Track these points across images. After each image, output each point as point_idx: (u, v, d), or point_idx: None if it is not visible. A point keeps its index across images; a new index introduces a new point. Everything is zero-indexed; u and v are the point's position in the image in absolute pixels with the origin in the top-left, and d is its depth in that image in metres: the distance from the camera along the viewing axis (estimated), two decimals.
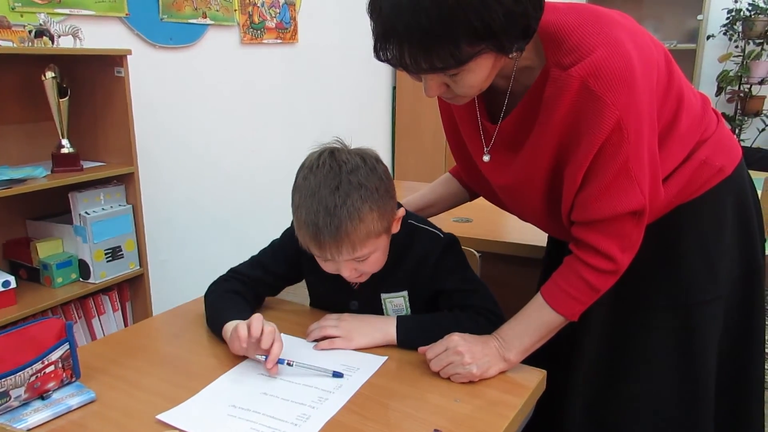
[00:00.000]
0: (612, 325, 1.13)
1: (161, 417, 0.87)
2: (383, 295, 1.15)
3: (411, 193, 1.40)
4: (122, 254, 2.00)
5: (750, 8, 3.99)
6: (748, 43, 4.11)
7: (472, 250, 1.33)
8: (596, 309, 1.04)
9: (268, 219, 3.07)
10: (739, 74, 4.12)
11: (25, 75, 1.91)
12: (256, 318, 1.00)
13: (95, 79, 1.98)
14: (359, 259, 1.02)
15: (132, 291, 2.13)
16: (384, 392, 0.95)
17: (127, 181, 2.01)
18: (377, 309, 1.16)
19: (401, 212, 1.08)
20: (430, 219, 1.26)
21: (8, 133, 1.94)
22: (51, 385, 0.92)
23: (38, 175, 1.76)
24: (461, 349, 0.97)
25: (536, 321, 1.01)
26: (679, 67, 1.04)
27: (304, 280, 1.26)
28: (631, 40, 0.89)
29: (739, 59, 4.14)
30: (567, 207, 0.99)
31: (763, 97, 4.19)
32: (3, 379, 0.85)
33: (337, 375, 0.99)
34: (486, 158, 1.08)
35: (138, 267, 2.06)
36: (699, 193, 1.05)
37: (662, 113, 0.97)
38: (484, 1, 0.79)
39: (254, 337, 0.98)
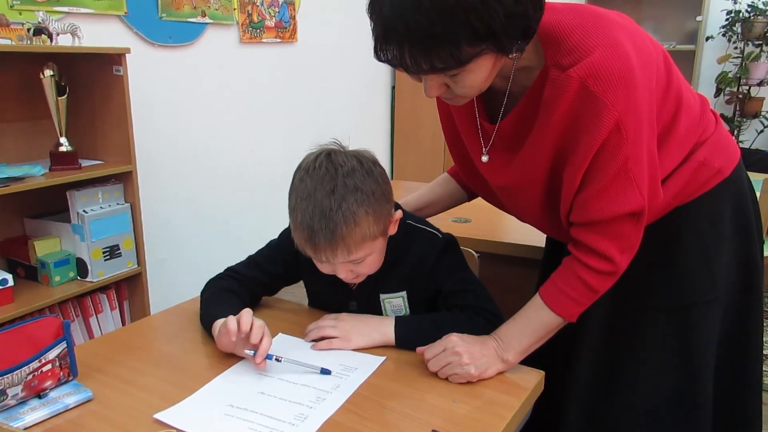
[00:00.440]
0: (610, 326, 1.13)
1: (158, 416, 0.87)
2: (382, 296, 1.15)
3: (410, 193, 1.40)
4: (120, 253, 1.99)
5: (749, 10, 3.99)
6: (747, 45, 4.12)
7: (471, 251, 1.33)
8: (594, 310, 1.04)
9: (267, 218, 3.07)
10: (738, 75, 4.13)
11: (23, 73, 1.91)
12: (246, 312, 1.00)
13: (94, 78, 1.98)
14: (355, 262, 1.02)
15: (130, 290, 2.12)
16: (382, 392, 0.95)
17: (125, 179, 2.00)
18: (376, 309, 1.16)
19: (398, 215, 1.08)
20: (428, 219, 1.26)
21: (6, 131, 1.93)
22: (48, 383, 0.91)
23: (36, 174, 1.76)
24: (459, 350, 0.96)
25: (535, 322, 1.01)
26: (678, 69, 1.04)
27: (302, 281, 1.26)
28: (630, 40, 0.89)
29: (738, 60, 4.15)
30: (566, 208, 0.99)
31: (762, 99, 4.19)
32: (0, 378, 0.85)
33: (325, 372, 0.99)
34: (485, 158, 1.08)
35: (136, 266, 2.06)
36: (697, 194, 1.05)
37: (661, 114, 0.97)
38: (484, 2, 0.79)
39: (243, 332, 0.98)
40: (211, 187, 2.83)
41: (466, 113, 1.09)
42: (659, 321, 1.10)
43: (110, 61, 1.93)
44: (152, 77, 2.46)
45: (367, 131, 3.90)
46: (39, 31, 1.80)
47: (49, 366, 0.91)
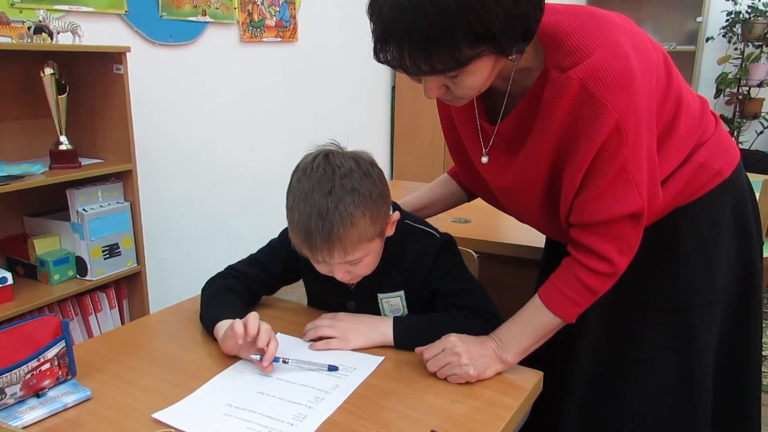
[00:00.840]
0: (609, 327, 1.14)
1: (157, 415, 0.87)
2: (380, 295, 1.15)
3: (410, 193, 1.40)
4: (120, 252, 1.99)
5: (749, 11, 3.99)
6: (747, 46, 4.12)
7: (470, 251, 1.33)
8: (593, 311, 1.04)
9: (266, 217, 3.07)
10: (738, 76, 4.13)
11: (23, 71, 1.91)
12: (253, 316, 1.00)
13: (94, 76, 1.98)
14: (351, 263, 1.02)
15: (129, 289, 2.12)
16: (381, 392, 0.95)
17: (125, 178, 2.00)
18: (374, 309, 1.16)
19: (395, 216, 1.08)
20: (428, 219, 1.26)
21: (6, 129, 1.93)
22: (47, 382, 0.91)
23: (36, 172, 1.76)
24: (458, 350, 0.97)
25: (534, 323, 1.01)
26: (678, 69, 1.04)
27: (301, 280, 1.26)
28: (630, 42, 0.89)
29: (738, 61, 4.15)
30: (565, 209, 0.99)
31: (762, 100, 4.19)
32: None
33: (332, 368, 0.99)
34: (484, 159, 1.08)
35: (135, 264, 2.06)
36: (697, 195, 1.05)
37: (661, 116, 0.97)
38: (484, 4, 0.79)
39: (251, 336, 0.98)
40: (211, 186, 2.83)
41: (466, 114, 1.09)
42: (658, 322, 1.10)
43: (110, 60, 1.93)
44: (152, 76, 2.46)
45: (367, 131, 3.90)
46: (39, 29, 1.80)
47: (47, 365, 0.91)
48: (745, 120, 4.23)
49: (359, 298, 1.16)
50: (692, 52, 4.24)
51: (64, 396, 0.91)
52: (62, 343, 0.92)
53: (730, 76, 4.16)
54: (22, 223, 2.00)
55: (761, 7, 3.95)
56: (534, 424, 1.17)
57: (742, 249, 1.12)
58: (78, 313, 1.98)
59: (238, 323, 0.99)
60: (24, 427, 0.85)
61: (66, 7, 2.08)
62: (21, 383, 0.88)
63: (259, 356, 0.98)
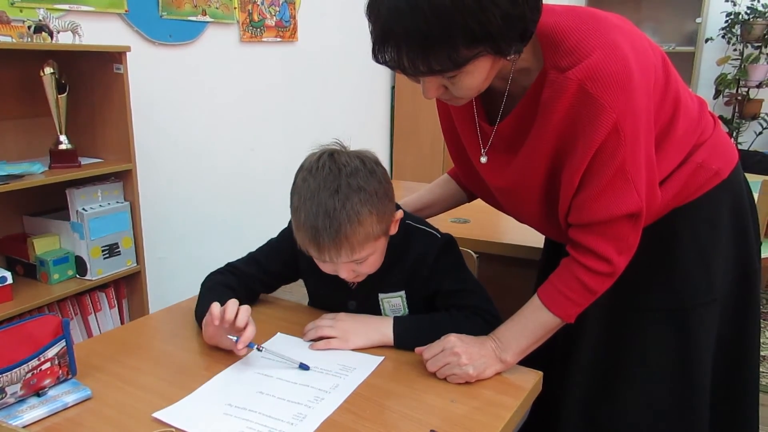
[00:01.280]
0: (608, 327, 1.14)
1: (157, 415, 0.87)
2: (381, 295, 1.15)
3: (409, 193, 1.40)
4: (119, 251, 1.99)
5: (748, 12, 4.00)
6: (747, 47, 4.13)
7: (470, 251, 1.33)
8: (592, 311, 1.04)
9: (266, 217, 3.07)
10: (737, 77, 4.14)
11: (23, 70, 1.91)
12: (232, 302, 1.00)
13: (94, 76, 1.98)
14: (357, 261, 1.02)
15: (129, 288, 2.12)
16: (380, 392, 0.95)
17: (125, 178, 2.00)
18: (375, 309, 1.16)
19: (399, 214, 1.08)
20: (428, 220, 1.27)
21: (6, 128, 1.93)
22: (47, 382, 0.91)
23: (36, 171, 1.76)
24: (458, 350, 0.97)
25: (533, 322, 1.01)
26: (678, 70, 1.04)
27: (301, 279, 1.26)
28: (628, 43, 0.89)
29: (737, 62, 4.16)
30: (564, 209, 1.00)
31: (761, 101, 4.20)
32: None
33: (303, 367, 0.99)
34: (483, 159, 1.08)
35: (135, 264, 2.06)
36: (695, 196, 1.06)
37: (659, 116, 0.98)
38: (481, 4, 0.79)
39: (228, 320, 0.98)
40: (211, 185, 2.83)
41: (465, 114, 1.09)
42: (657, 322, 1.11)
43: (110, 59, 1.93)
44: (152, 76, 2.46)
45: (366, 131, 3.90)
46: (39, 28, 1.80)
47: (48, 364, 0.91)
48: (744, 121, 4.24)
49: (360, 298, 1.16)
50: (691, 53, 4.25)
51: (65, 395, 0.91)
52: (62, 343, 0.92)
53: (729, 76, 4.17)
54: (22, 222, 2.00)
55: (760, 8, 3.96)
56: (533, 423, 1.17)
57: (740, 249, 1.13)
58: (77, 313, 1.98)
59: (215, 305, 1.00)
60: (24, 426, 0.85)
61: (66, 7, 2.08)
62: (21, 382, 0.88)
63: (235, 338, 0.99)
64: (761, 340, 1.20)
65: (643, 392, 1.12)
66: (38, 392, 0.91)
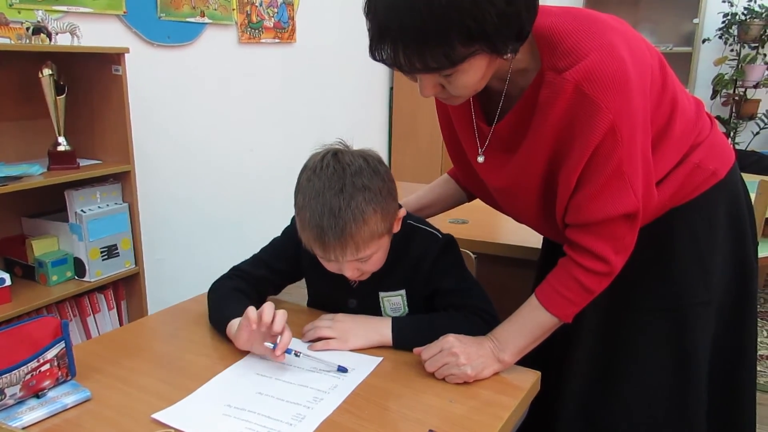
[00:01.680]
0: (605, 327, 1.14)
1: (156, 416, 0.88)
2: (381, 294, 1.16)
3: (408, 194, 1.40)
4: (118, 253, 1.99)
5: (745, 12, 4.01)
6: (744, 47, 4.14)
7: (468, 252, 1.34)
8: (590, 310, 1.05)
9: (265, 218, 3.07)
10: (734, 77, 4.15)
11: (22, 72, 1.91)
12: (268, 305, 1.00)
13: (92, 77, 1.98)
14: (362, 260, 1.03)
15: (127, 290, 2.12)
16: (379, 392, 0.95)
17: (123, 179, 2.00)
18: (375, 307, 1.16)
19: (402, 212, 1.09)
20: (427, 220, 1.27)
21: (5, 130, 1.93)
22: (46, 383, 0.92)
23: (34, 173, 1.76)
24: (456, 350, 0.97)
25: (531, 322, 1.02)
26: (675, 71, 1.04)
27: (303, 279, 1.26)
28: (625, 44, 0.90)
29: (734, 63, 4.17)
30: (561, 210, 1.00)
31: (758, 101, 4.21)
32: None
33: (342, 369, 1.00)
34: (480, 159, 1.09)
35: (134, 266, 2.06)
36: (692, 196, 1.06)
37: (656, 117, 0.98)
38: (477, 3, 0.79)
39: (265, 324, 0.98)
40: (210, 187, 2.83)
41: (463, 115, 1.09)
42: (654, 321, 1.11)
43: (109, 61, 1.93)
44: (151, 77, 2.46)
45: (365, 132, 3.91)
46: (38, 30, 1.80)
47: (47, 366, 0.91)
48: (741, 121, 4.25)
49: (361, 297, 1.17)
50: (689, 53, 4.26)
51: (64, 397, 0.91)
52: (62, 344, 0.92)
53: (726, 77, 4.18)
54: (20, 224, 2.00)
55: (757, 8, 3.97)
56: (531, 423, 1.18)
57: (737, 249, 1.13)
58: (76, 314, 1.98)
59: (251, 309, 0.99)
60: (24, 428, 0.86)
61: (64, 8, 2.08)
62: (21, 384, 0.88)
63: (272, 345, 0.98)
64: (758, 339, 1.20)
65: (640, 391, 1.13)
66: (37, 394, 0.91)
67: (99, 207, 1.94)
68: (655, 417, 1.13)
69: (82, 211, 1.89)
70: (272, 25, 3.02)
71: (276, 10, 3.02)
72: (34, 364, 0.89)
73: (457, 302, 1.12)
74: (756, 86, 4.09)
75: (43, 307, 1.82)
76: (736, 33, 4.10)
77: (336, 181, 0.98)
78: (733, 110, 4.26)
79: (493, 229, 1.75)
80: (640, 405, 1.13)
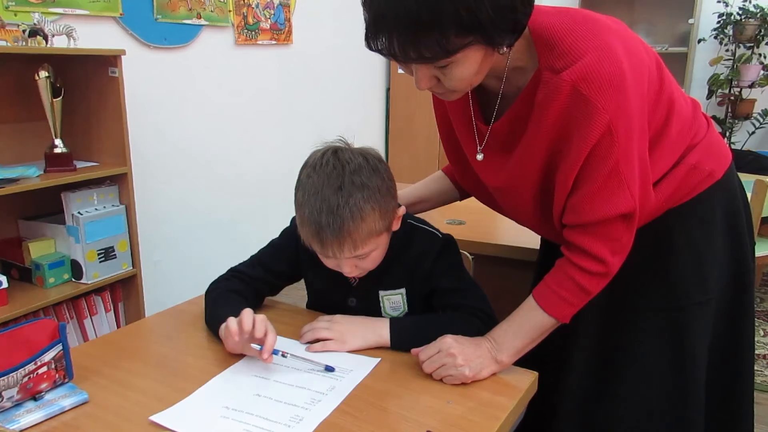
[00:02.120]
0: (603, 327, 1.14)
1: (154, 418, 0.88)
2: (381, 293, 1.16)
3: None
4: (115, 255, 1.99)
5: (740, 12, 4.02)
6: (739, 47, 4.15)
7: (465, 253, 1.34)
8: (587, 310, 1.05)
9: (262, 219, 3.07)
10: (730, 77, 4.16)
11: (18, 74, 1.91)
12: (246, 312, 1.01)
13: (89, 79, 1.98)
14: (360, 257, 1.03)
15: (124, 292, 2.12)
16: (377, 393, 0.95)
17: (120, 181, 2.00)
18: (375, 306, 1.17)
19: (401, 210, 1.09)
20: (421, 215, 1.27)
21: (1, 132, 1.93)
22: (44, 386, 0.91)
23: (31, 175, 1.76)
24: (454, 351, 0.97)
25: (528, 323, 1.02)
26: (671, 71, 1.05)
27: (302, 280, 1.27)
28: (622, 45, 0.90)
29: (730, 63, 4.18)
30: (558, 210, 1.00)
31: (754, 100, 4.22)
32: None
33: (329, 369, 1.00)
34: (479, 157, 1.09)
35: (131, 267, 2.05)
36: (689, 197, 1.07)
37: (653, 119, 0.99)
38: None
39: (246, 331, 0.99)
40: (207, 189, 2.83)
41: (461, 113, 1.10)
42: (651, 322, 1.11)
43: (105, 63, 1.93)
44: (148, 79, 2.46)
45: (362, 133, 3.91)
46: (34, 32, 1.80)
47: (44, 368, 0.91)
48: (737, 120, 4.26)
49: (360, 295, 1.17)
50: (684, 53, 4.27)
51: (61, 399, 0.91)
52: (59, 347, 0.92)
53: (721, 77, 4.19)
54: (17, 226, 2.00)
55: (752, 9, 3.98)
56: (529, 424, 1.18)
57: (734, 249, 1.13)
58: (73, 317, 1.98)
59: (231, 320, 1.01)
60: (21, 431, 0.85)
61: (61, 10, 2.08)
62: (18, 386, 0.88)
63: (259, 347, 0.99)
64: (755, 339, 1.21)
65: (638, 391, 1.13)
66: (35, 396, 0.91)
67: (96, 209, 1.93)
68: (652, 417, 1.13)
69: (78, 213, 1.89)
70: (269, 26, 3.02)
71: (272, 11, 3.02)
72: (31, 366, 0.89)
73: (455, 302, 1.12)
74: (751, 86, 4.11)
75: (40, 309, 1.81)
76: (731, 33, 4.11)
77: (335, 178, 0.99)
78: (729, 110, 4.27)
79: (490, 230, 1.76)
80: (638, 405, 1.13)
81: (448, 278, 1.14)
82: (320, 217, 0.98)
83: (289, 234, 1.20)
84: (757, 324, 2.71)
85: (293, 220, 1.21)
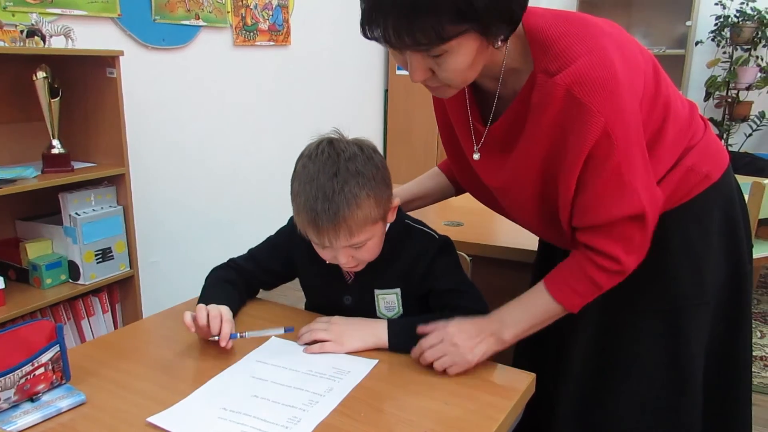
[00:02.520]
0: (600, 329, 1.15)
1: (151, 420, 0.87)
2: (376, 291, 1.16)
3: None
4: (112, 256, 1.99)
5: (738, 15, 4.04)
6: (736, 49, 4.17)
7: (463, 254, 1.34)
8: (585, 312, 1.05)
9: (260, 221, 3.07)
10: (727, 80, 4.18)
11: (16, 75, 1.90)
12: (200, 308, 1.07)
13: (87, 80, 1.98)
14: (356, 246, 1.04)
15: (122, 293, 2.12)
16: (374, 395, 0.95)
17: (117, 182, 2.00)
18: (370, 304, 1.17)
19: (397, 201, 1.11)
20: (418, 216, 1.28)
21: None
22: (41, 387, 0.91)
23: (28, 176, 1.76)
24: (457, 341, 0.98)
25: (537, 308, 1.03)
26: (668, 73, 1.05)
27: (297, 280, 1.27)
28: (616, 49, 0.90)
29: (727, 65, 4.20)
30: (566, 214, 1.00)
31: (751, 102, 4.24)
32: None
33: (288, 330, 1.08)
34: (476, 156, 1.09)
35: (128, 268, 2.05)
36: (686, 199, 1.07)
37: (649, 122, 0.99)
38: None
39: (202, 327, 1.05)
40: (205, 189, 2.82)
41: (460, 112, 1.10)
42: (648, 323, 1.12)
43: (103, 64, 1.93)
44: (145, 80, 2.46)
45: (360, 134, 3.89)
46: (32, 32, 1.80)
47: (41, 369, 0.91)
48: (734, 123, 4.28)
49: (356, 293, 1.17)
50: (682, 55, 4.29)
51: (59, 400, 0.91)
52: (56, 348, 0.92)
53: (719, 79, 4.21)
54: (14, 227, 2.00)
55: (749, 11, 4.00)
56: (526, 425, 1.18)
57: (732, 251, 1.13)
58: (70, 317, 1.98)
59: (186, 315, 1.06)
60: None
61: (59, 11, 2.08)
62: (15, 388, 0.88)
63: (216, 337, 1.05)
64: (753, 341, 1.21)
65: (635, 392, 1.13)
66: (32, 397, 0.91)
67: (93, 210, 1.93)
68: (650, 418, 1.13)
69: (76, 214, 1.88)
70: (267, 27, 3.02)
71: (271, 12, 3.02)
72: (28, 367, 0.89)
73: (453, 303, 1.13)
74: (748, 88, 4.12)
75: (38, 310, 1.81)
76: (728, 35, 4.12)
77: (330, 166, 1.00)
78: (726, 112, 4.28)
79: (488, 231, 1.76)
80: (635, 406, 1.13)
81: (446, 279, 1.14)
82: (316, 203, 0.98)
83: (285, 232, 1.21)
84: (754, 326, 2.72)
85: (291, 219, 1.21)
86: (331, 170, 1.00)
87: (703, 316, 1.12)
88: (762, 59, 4.15)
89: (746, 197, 1.20)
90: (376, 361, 1.05)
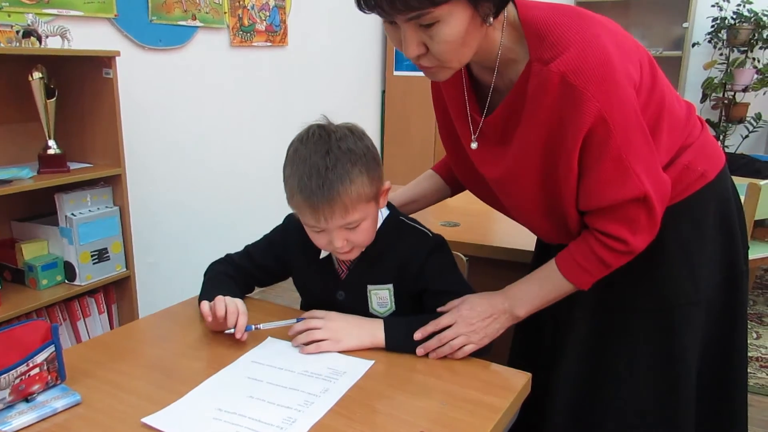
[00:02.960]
0: (594, 327, 1.15)
1: (147, 420, 0.87)
2: (369, 287, 1.16)
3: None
4: (108, 256, 1.99)
5: (734, 17, 4.05)
6: (733, 51, 4.18)
7: (460, 255, 1.34)
8: (579, 311, 1.06)
9: (257, 221, 3.05)
10: (724, 81, 4.19)
11: (12, 75, 1.90)
12: (219, 300, 1.08)
13: (83, 81, 1.97)
14: (350, 226, 1.04)
15: (118, 293, 2.11)
16: (370, 395, 0.95)
17: (114, 182, 2.00)
18: (363, 300, 1.17)
19: (388, 184, 1.12)
20: (416, 215, 1.28)
21: None
22: (36, 387, 0.91)
23: (24, 176, 1.75)
24: (472, 320, 1.02)
25: (549, 286, 1.07)
26: (665, 74, 1.05)
27: (291, 279, 1.27)
28: (611, 38, 0.92)
29: (724, 66, 4.21)
30: (572, 202, 1.01)
31: (747, 104, 4.25)
32: None
33: (300, 320, 1.10)
34: (474, 145, 1.09)
35: (124, 269, 2.05)
36: (681, 197, 1.07)
37: (644, 115, 0.99)
38: None
39: (220, 318, 1.07)
40: (201, 190, 2.82)
41: (457, 102, 1.10)
42: (643, 322, 1.12)
43: (100, 64, 1.92)
44: (142, 80, 2.46)
45: None
46: (28, 33, 1.79)
47: (37, 370, 0.90)
48: (730, 124, 4.29)
49: (349, 289, 1.17)
50: (678, 57, 4.30)
51: (54, 401, 0.91)
52: (52, 348, 0.92)
53: (715, 80, 4.22)
54: (10, 227, 1.99)
55: (746, 13, 4.01)
56: (522, 424, 1.18)
57: (727, 251, 1.14)
58: (66, 318, 1.97)
59: (204, 305, 1.08)
60: None
61: (55, 11, 2.08)
62: (10, 388, 0.87)
63: (232, 330, 1.07)
64: (748, 342, 1.21)
65: (629, 392, 1.13)
66: (27, 398, 0.91)
67: (89, 210, 1.93)
68: (644, 418, 1.13)
69: (72, 214, 1.88)
70: (264, 28, 3.02)
71: (268, 13, 3.02)
72: (23, 368, 0.88)
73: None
74: (745, 90, 4.13)
75: (33, 311, 1.81)
76: (725, 37, 4.14)
77: (321, 145, 1.02)
78: (723, 114, 4.29)
79: (484, 231, 1.76)
80: (629, 406, 1.13)
81: (441, 279, 1.14)
82: (310, 181, 1.00)
83: (280, 230, 1.22)
84: (750, 327, 2.73)
85: (287, 217, 1.21)
86: (323, 149, 1.01)
87: (698, 316, 1.12)
88: (758, 61, 4.16)
89: (742, 198, 1.20)
90: (372, 361, 1.05)
